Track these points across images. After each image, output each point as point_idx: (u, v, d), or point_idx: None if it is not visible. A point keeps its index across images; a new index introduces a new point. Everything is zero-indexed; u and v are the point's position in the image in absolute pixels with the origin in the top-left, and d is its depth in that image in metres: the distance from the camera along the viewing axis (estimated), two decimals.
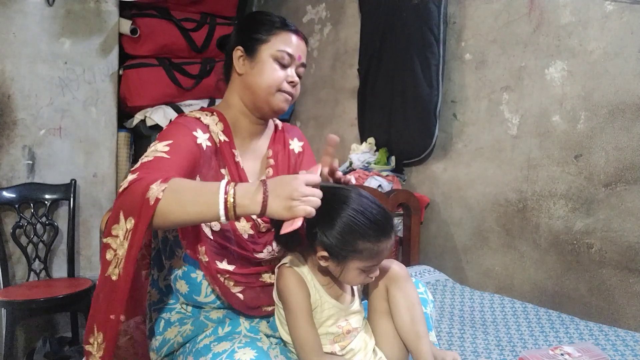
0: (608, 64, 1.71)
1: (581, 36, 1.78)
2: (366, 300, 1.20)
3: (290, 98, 1.18)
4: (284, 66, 1.15)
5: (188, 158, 1.03)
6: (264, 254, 1.17)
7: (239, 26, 1.23)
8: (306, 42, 1.22)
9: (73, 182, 2.53)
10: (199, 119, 1.15)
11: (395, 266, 1.10)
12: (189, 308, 1.18)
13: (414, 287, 1.11)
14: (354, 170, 2.41)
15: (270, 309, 1.16)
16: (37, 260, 2.45)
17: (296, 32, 1.19)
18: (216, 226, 1.10)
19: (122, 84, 2.74)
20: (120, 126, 2.81)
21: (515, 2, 1.97)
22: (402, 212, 2.25)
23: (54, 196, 2.48)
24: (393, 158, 2.41)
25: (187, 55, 2.85)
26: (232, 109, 1.21)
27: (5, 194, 2.36)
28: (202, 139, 1.09)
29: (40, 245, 2.46)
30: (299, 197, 0.88)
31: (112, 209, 0.96)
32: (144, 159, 0.99)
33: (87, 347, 0.97)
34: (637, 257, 1.64)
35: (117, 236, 0.93)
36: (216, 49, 3.09)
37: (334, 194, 0.99)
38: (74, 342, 2.50)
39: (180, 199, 0.89)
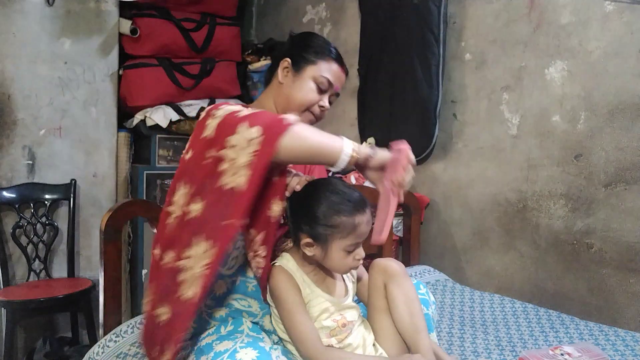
0: (608, 64, 1.71)
1: (581, 36, 1.78)
2: (362, 302, 1.21)
3: (314, 120, 1.28)
4: (321, 90, 1.26)
5: None
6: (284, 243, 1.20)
7: (294, 40, 1.32)
8: (347, 74, 1.34)
9: (73, 182, 2.53)
10: (241, 107, 1.16)
11: (393, 263, 1.12)
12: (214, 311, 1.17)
13: (411, 284, 1.13)
14: (353, 170, 2.41)
15: None
16: (37, 260, 2.45)
17: (341, 63, 1.30)
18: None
19: (122, 84, 2.74)
20: (120, 126, 2.81)
21: (515, 2, 1.97)
22: (402, 212, 2.25)
23: (54, 196, 2.48)
24: None
25: (187, 55, 2.85)
26: (265, 109, 1.25)
27: (5, 194, 2.36)
28: None
29: (40, 245, 2.46)
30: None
31: (222, 126, 0.97)
32: (233, 110, 1.01)
33: (182, 263, 0.94)
34: (637, 257, 1.64)
35: (233, 146, 0.93)
36: (217, 48, 3.11)
37: (306, 187, 1.06)
38: (74, 342, 2.50)
39: (314, 130, 0.99)
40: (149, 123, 2.75)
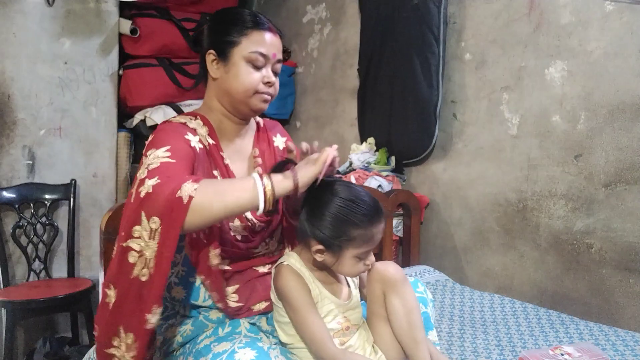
0: (608, 64, 1.71)
1: (581, 36, 1.78)
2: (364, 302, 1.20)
3: (269, 98, 1.16)
4: (258, 67, 1.13)
5: (190, 161, 1.04)
6: (259, 249, 1.19)
7: (209, 27, 1.18)
8: (281, 36, 1.18)
9: (73, 182, 2.53)
10: (184, 123, 1.13)
11: (392, 269, 1.08)
12: (187, 309, 1.18)
13: (411, 291, 1.10)
14: (354, 170, 2.41)
15: (265, 305, 1.16)
16: (37, 260, 2.45)
17: (269, 28, 1.14)
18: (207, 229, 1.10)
19: (122, 84, 2.74)
20: (120, 126, 2.81)
21: (515, 2, 1.97)
22: (402, 212, 2.25)
23: (54, 196, 2.48)
24: (393, 158, 2.41)
25: (187, 55, 2.85)
26: (214, 111, 1.19)
27: (5, 194, 2.36)
28: (194, 141, 1.09)
29: (40, 245, 2.46)
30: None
31: (128, 213, 0.94)
32: (150, 166, 0.97)
33: (111, 351, 0.96)
34: (637, 257, 1.64)
35: (139, 237, 0.92)
36: None
37: (320, 187, 1.02)
38: (74, 342, 2.50)
39: (216, 191, 0.93)
40: (149, 123, 2.75)
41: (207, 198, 0.91)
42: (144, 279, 0.92)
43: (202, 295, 1.14)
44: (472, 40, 2.15)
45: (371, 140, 2.47)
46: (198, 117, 1.18)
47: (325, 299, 1.06)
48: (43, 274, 2.46)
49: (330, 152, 1.00)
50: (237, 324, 1.13)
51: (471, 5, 2.14)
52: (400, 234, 2.28)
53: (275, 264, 1.10)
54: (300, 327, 1.03)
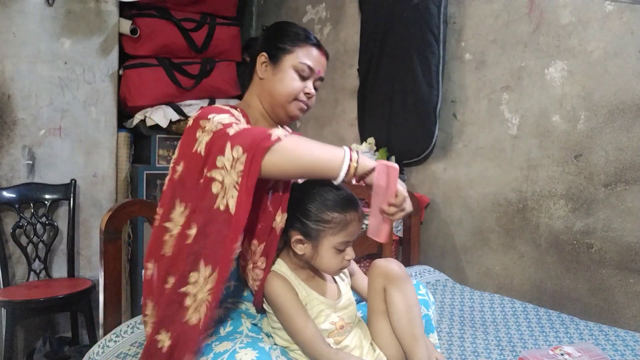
0: (608, 64, 1.71)
1: (581, 36, 1.78)
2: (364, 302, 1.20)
3: (305, 107, 1.24)
4: (303, 78, 1.21)
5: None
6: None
7: (266, 33, 1.28)
8: (327, 57, 1.28)
9: (73, 182, 2.53)
10: (228, 110, 1.17)
11: (394, 266, 1.11)
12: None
13: (412, 288, 1.11)
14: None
15: None
16: (37, 260, 2.45)
17: (319, 47, 1.25)
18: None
19: (122, 84, 2.74)
20: (120, 126, 2.81)
21: (515, 2, 1.97)
22: None
23: (54, 196, 2.48)
24: (393, 158, 2.41)
25: (187, 55, 2.85)
26: (252, 109, 1.26)
27: (5, 194, 2.36)
28: (242, 122, 1.13)
29: (40, 245, 2.46)
30: None
31: (211, 146, 0.96)
32: (224, 120, 1.01)
33: (186, 289, 0.95)
34: (637, 257, 1.64)
35: (222, 167, 0.94)
36: (217, 48, 3.11)
37: (301, 184, 1.08)
38: (74, 342, 2.50)
39: (306, 142, 0.98)
40: (149, 123, 2.75)
41: (296, 145, 0.96)
42: (223, 208, 0.93)
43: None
44: (472, 40, 2.15)
45: (371, 140, 2.47)
46: (239, 109, 1.23)
47: (313, 300, 1.07)
48: (43, 274, 2.46)
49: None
50: (239, 323, 1.13)
51: (471, 5, 2.14)
52: (400, 234, 2.28)
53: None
54: (291, 330, 1.04)
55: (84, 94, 2.60)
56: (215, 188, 0.95)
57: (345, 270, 1.19)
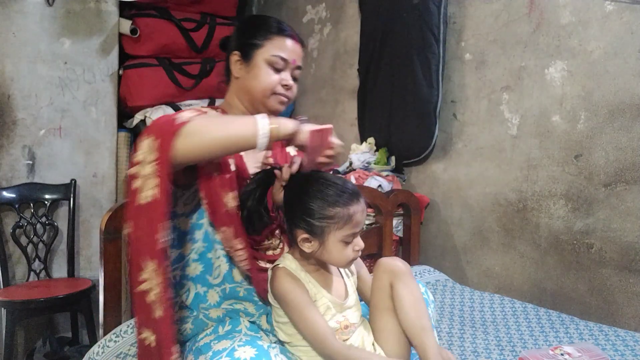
0: (608, 64, 1.71)
1: (581, 36, 1.78)
2: (364, 302, 1.20)
3: (285, 100, 1.23)
4: (278, 70, 1.20)
5: None
6: (264, 243, 1.21)
7: (236, 30, 1.26)
8: (302, 45, 1.25)
9: (73, 182, 2.53)
10: (205, 112, 1.17)
11: (399, 262, 1.12)
12: (189, 298, 1.18)
13: (417, 284, 1.12)
14: (354, 170, 2.41)
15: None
16: (37, 260, 2.45)
17: (291, 36, 1.22)
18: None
19: (122, 84, 2.74)
20: (120, 126, 2.81)
21: (515, 2, 1.97)
22: (402, 212, 2.25)
23: (54, 196, 2.48)
24: (393, 158, 2.41)
25: (187, 55, 2.85)
26: (234, 109, 1.25)
27: (5, 194, 2.36)
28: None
29: (40, 245, 2.46)
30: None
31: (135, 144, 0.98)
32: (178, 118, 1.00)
33: (142, 287, 0.95)
34: (637, 257, 1.64)
35: (140, 162, 0.94)
36: (216, 48, 3.11)
37: (296, 181, 1.07)
38: (74, 342, 2.50)
39: (217, 120, 0.98)
40: (149, 123, 2.74)
41: (203, 124, 0.94)
42: (147, 199, 0.93)
43: (214, 271, 1.15)
44: (472, 40, 2.15)
45: (371, 140, 2.47)
46: (219, 110, 1.24)
47: (322, 298, 1.07)
48: (43, 274, 2.46)
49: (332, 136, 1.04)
50: (237, 322, 1.13)
51: (471, 5, 2.14)
52: (400, 234, 2.28)
53: (272, 266, 1.11)
54: (301, 326, 1.03)
55: (84, 94, 2.60)
56: (135, 184, 0.94)
57: (352, 269, 1.19)
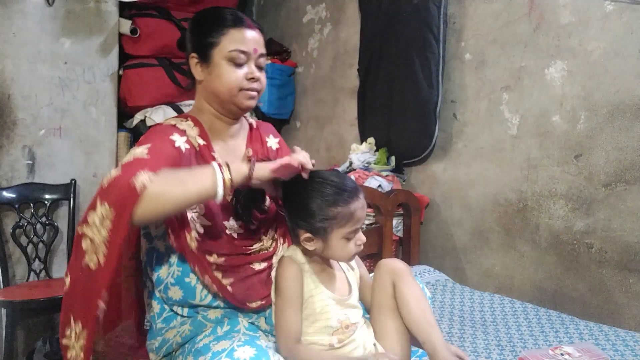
0: (608, 64, 1.71)
1: (581, 36, 1.78)
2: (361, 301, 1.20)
3: (255, 94, 1.17)
4: (240, 65, 1.13)
5: (167, 160, 1.03)
6: (254, 247, 1.19)
7: (189, 30, 1.19)
8: (261, 30, 1.19)
9: (73, 182, 2.53)
10: (174, 125, 1.15)
11: (400, 263, 1.13)
12: (185, 310, 1.18)
13: (418, 283, 1.13)
14: (354, 170, 2.41)
15: (262, 302, 1.16)
16: (37, 260, 2.44)
17: (247, 25, 1.15)
18: (200, 229, 1.11)
19: (122, 84, 2.74)
20: (120, 126, 2.81)
21: (515, 2, 1.97)
22: (402, 212, 2.25)
23: (54, 196, 2.48)
24: (393, 158, 2.41)
25: None
26: (205, 113, 1.20)
27: (5, 194, 2.36)
28: (180, 142, 1.10)
29: (40, 245, 2.45)
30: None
31: (90, 201, 0.95)
32: (123, 161, 0.98)
33: (64, 341, 0.97)
34: (637, 257, 1.64)
35: (92, 224, 0.92)
36: None
37: (296, 182, 1.06)
38: None
39: (174, 178, 0.95)
40: (149, 123, 2.74)
41: (162, 188, 0.91)
42: (91, 265, 0.92)
43: (199, 294, 1.15)
44: (472, 40, 2.15)
45: (371, 140, 2.47)
46: (189, 118, 1.19)
47: (320, 294, 1.07)
48: (43, 274, 2.46)
49: (296, 156, 1.04)
50: (236, 322, 1.13)
51: (471, 5, 2.14)
52: (400, 234, 2.28)
53: (279, 256, 1.12)
54: (277, 313, 1.06)
55: (84, 94, 2.59)
56: (85, 244, 0.93)
57: (354, 263, 1.19)
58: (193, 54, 1.17)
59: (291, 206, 1.07)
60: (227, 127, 1.22)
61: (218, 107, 1.18)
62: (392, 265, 1.12)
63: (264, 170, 1.03)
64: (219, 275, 1.11)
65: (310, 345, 1.06)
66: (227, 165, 0.99)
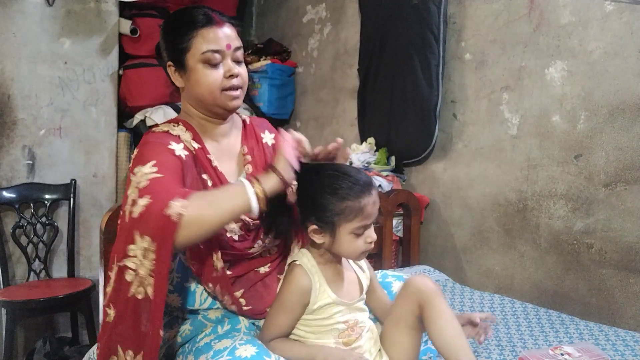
0: (608, 64, 1.71)
1: (581, 36, 1.78)
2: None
3: (237, 92, 1.14)
4: (216, 65, 1.10)
5: (178, 171, 1.04)
6: (255, 249, 1.18)
7: (161, 38, 1.18)
8: (232, 23, 1.17)
9: (73, 182, 2.53)
10: (167, 132, 1.13)
11: (430, 283, 1.07)
12: (185, 313, 1.19)
13: (448, 304, 1.08)
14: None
15: (268, 309, 1.16)
16: (37, 260, 2.45)
17: (215, 23, 1.12)
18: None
19: (122, 84, 2.74)
20: (120, 126, 2.81)
21: (515, 2, 1.97)
22: (402, 212, 2.25)
23: (54, 196, 2.48)
24: (393, 158, 2.41)
25: None
26: (193, 117, 1.19)
27: (5, 194, 2.36)
28: (179, 149, 1.08)
29: (40, 245, 2.46)
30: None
31: (122, 233, 0.96)
32: (140, 184, 0.97)
33: None
34: (637, 257, 1.64)
35: (134, 256, 0.93)
36: None
37: (308, 173, 1.04)
38: (74, 342, 2.50)
39: (207, 204, 0.94)
40: (149, 123, 2.74)
41: (198, 212, 0.92)
42: (140, 297, 0.93)
43: (199, 299, 1.15)
44: (472, 40, 2.15)
45: (371, 140, 2.47)
46: (180, 123, 1.17)
47: (327, 298, 1.05)
48: (43, 274, 2.46)
49: (287, 136, 1.03)
50: (237, 321, 1.14)
51: (471, 5, 2.14)
52: (400, 234, 2.28)
53: (289, 262, 1.11)
54: (271, 312, 1.07)
55: (84, 94, 2.60)
56: (129, 276, 0.94)
57: (364, 264, 1.17)
58: (169, 62, 1.15)
59: (302, 197, 1.05)
60: (218, 128, 1.20)
61: (204, 110, 1.16)
62: (423, 284, 1.05)
63: (286, 165, 1.00)
64: (237, 293, 1.13)
65: (284, 339, 1.06)
66: (257, 179, 0.99)
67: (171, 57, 1.14)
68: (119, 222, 1.01)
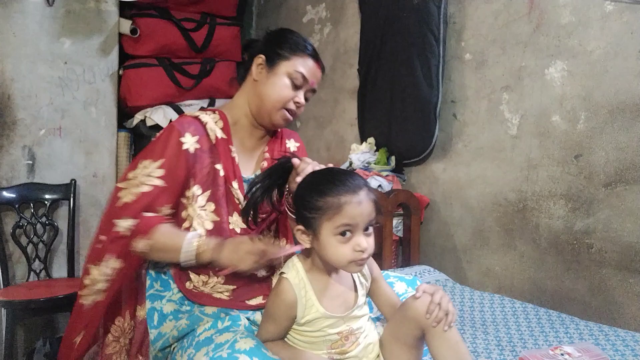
0: (608, 64, 1.71)
1: (581, 36, 1.78)
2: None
3: (291, 118, 1.26)
4: (296, 86, 1.23)
5: (182, 175, 1.17)
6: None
7: (268, 36, 1.30)
8: (323, 71, 1.30)
9: (73, 182, 2.53)
10: (196, 117, 1.22)
11: (433, 310, 0.98)
12: (186, 301, 1.19)
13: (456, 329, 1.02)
14: (354, 170, 2.41)
15: (261, 301, 1.20)
16: (37, 260, 2.44)
17: (317, 59, 1.27)
18: (209, 225, 1.18)
19: (122, 84, 2.74)
20: (120, 126, 2.81)
21: (515, 2, 1.97)
22: (402, 212, 2.25)
23: (54, 196, 2.48)
24: (393, 158, 2.41)
25: (187, 55, 2.85)
26: (238, 109, 1.28)
27: (5, 194, 2.36)
28: (190, 143, 1.17)
29: (40, 245, 2.45)
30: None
31: (103, 222, 1.15)
32: (138, 189, 1.13)
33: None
34: (637, 257, 1.64)
35: (98, 265, 1.17)
36: (217, 48, 3.11)
37: (306, 177, 1.05)
38: None
39: (163, 245, 1.14)
40: (149, 123, 2.75)
41: (156, 255, 1.16)
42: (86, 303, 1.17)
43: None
44: (472, 40, 2.15)
45: (371, 140, 2.47)
46: (217, 112, 1.26)
47: (315, 312, 1.01)
48: (43, 274, 2.46)
49: (304, 166, 1.11)
50: (237, 317, 1.15)
51: (471, 5, 2.14)
52: (400, 234, 2.28)
53: (279, 272, 1.07)
54: (262, 321, 1.09)
55: (84, 94, 2.59)
56: (85, 281, 1.24)
57: (366, 271, 1.11)
58: (261, 55, 1.25)
59: (294, 199, 1.05)
60: (252, 129, 1.30)
61: (255, 110, 1.26)
62: (424, 311, 0.97)
63: (236, 257, 1.10)
64: (220, 281, 1.19)
65: (277, 341, 1.06)
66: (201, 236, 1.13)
67: (267, 53, 1.25)
68: (109, 197, 1.19)
